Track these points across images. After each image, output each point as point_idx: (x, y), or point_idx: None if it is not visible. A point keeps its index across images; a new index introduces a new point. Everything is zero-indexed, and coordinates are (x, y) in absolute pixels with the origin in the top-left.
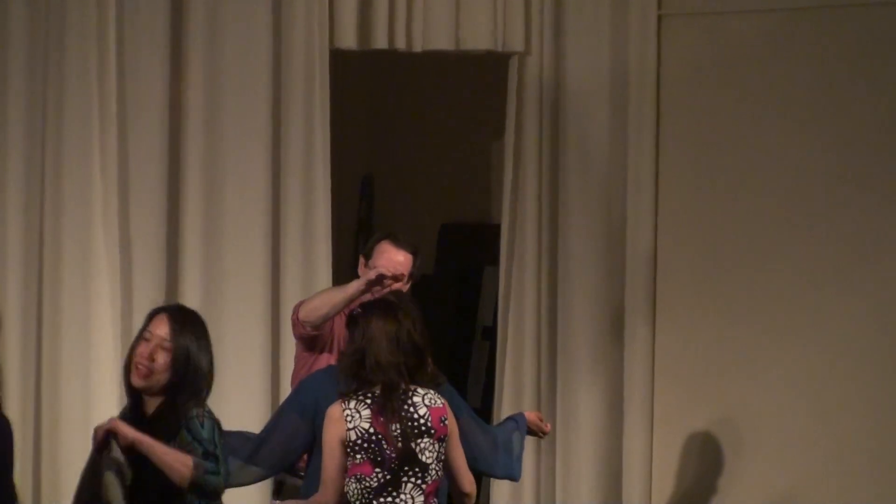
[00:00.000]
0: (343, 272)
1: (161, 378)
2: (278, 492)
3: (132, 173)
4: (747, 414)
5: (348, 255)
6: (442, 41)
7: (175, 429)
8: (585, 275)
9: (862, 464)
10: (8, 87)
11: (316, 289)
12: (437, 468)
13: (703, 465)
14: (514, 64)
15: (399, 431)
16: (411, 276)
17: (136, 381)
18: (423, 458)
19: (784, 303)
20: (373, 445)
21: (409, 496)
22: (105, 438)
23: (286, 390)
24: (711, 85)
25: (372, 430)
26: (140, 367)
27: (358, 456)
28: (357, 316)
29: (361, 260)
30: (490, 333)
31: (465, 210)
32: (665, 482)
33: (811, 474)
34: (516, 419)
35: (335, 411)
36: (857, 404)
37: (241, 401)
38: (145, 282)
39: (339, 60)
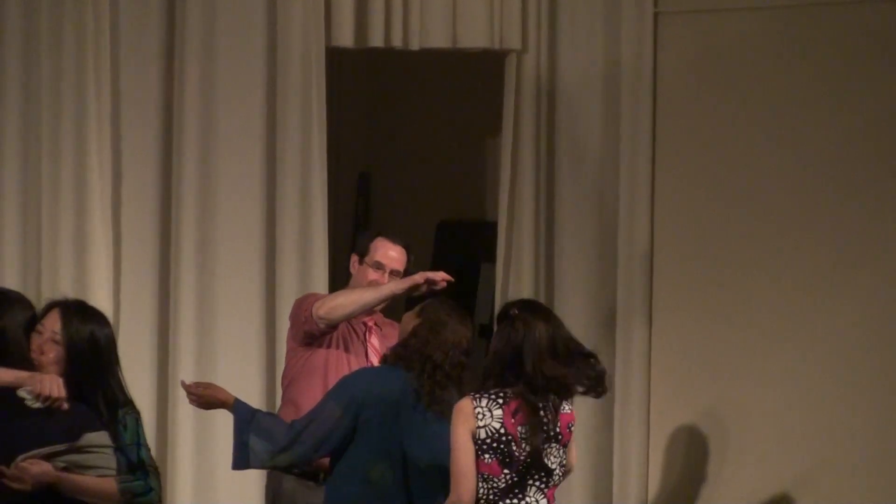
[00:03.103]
0: (340, 270)
1: (53, 370)
2: (275, 499)
3: (127, 172)
4: (742, 414)
5: (345, 253)
6: (438, 39)
7: (86, 422)
8: (581, 273)
9: (856, 463)
10: (3, 87)
11: (312, 286)
12: (559, 473)
13: (698, 464)
14: (510, 62)
15: (530, 434)
16: (406, 271)
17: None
18: (549, 463)
19: (780, 303)
20: (502, 446)
21: (532, 499)
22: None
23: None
24: (708, 83)
25: (503, 431)
26: (34, 360)
27: (486, 455)
28: (515, 316)
29: (354, 258)
30: (487, 331)
31: (462, 208)
32: (660, 482)
33: (805, 474)
34: None
35: (466, 406)
36: (851, 405)
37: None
38: (140, 280)
39: (336, 58)
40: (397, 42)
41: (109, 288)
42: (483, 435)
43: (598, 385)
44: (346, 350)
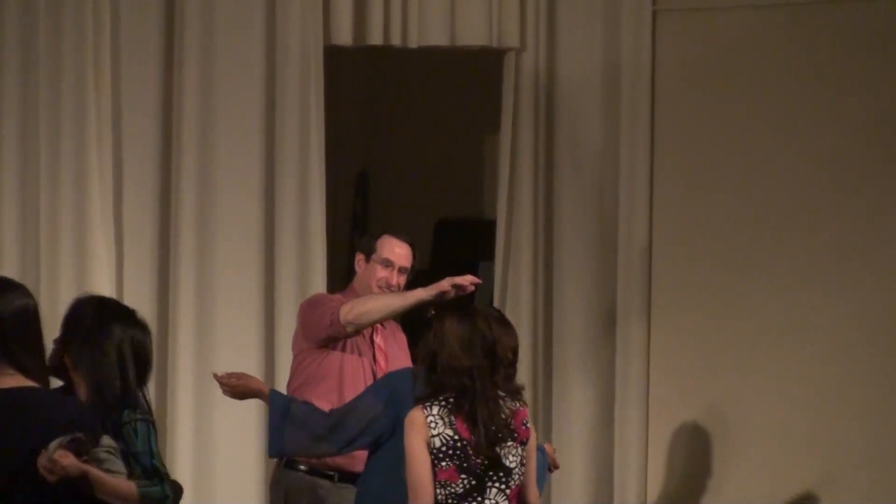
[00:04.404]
0: (338, 269)
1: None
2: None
3: (126, 170)
4: (742, 411)
5: (343, 252)
6: (437, 37)
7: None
8: (580, 271)
9: (855, 460)
10: (3, 87)
11: (311, 284)
12: (519, 472)
13: (698, 462)
14: (509, 60)
15: (483, 436)
16: (412, 268)
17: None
18: (507, 463)
19: (779, 300)
20: (458, 451)
21: (493, 501)
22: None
23: (281, 387)
24: (706, 80)
25: (457, 437)
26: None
27: (443, 462)
28: (431, 318)
29: (360, 257)
30: None
31: (461, 206)
32: (659, 480)
33: (805, 471)
34: (540, 448)
35: (417, 417)
36: (850, 401)
37: (234, 400)
38: (139, 280)
39: (334, 56)
40: (396, 40)
41: (110, 286)
42: (438, 443)
43: (515, 394)
44: (360, 353)
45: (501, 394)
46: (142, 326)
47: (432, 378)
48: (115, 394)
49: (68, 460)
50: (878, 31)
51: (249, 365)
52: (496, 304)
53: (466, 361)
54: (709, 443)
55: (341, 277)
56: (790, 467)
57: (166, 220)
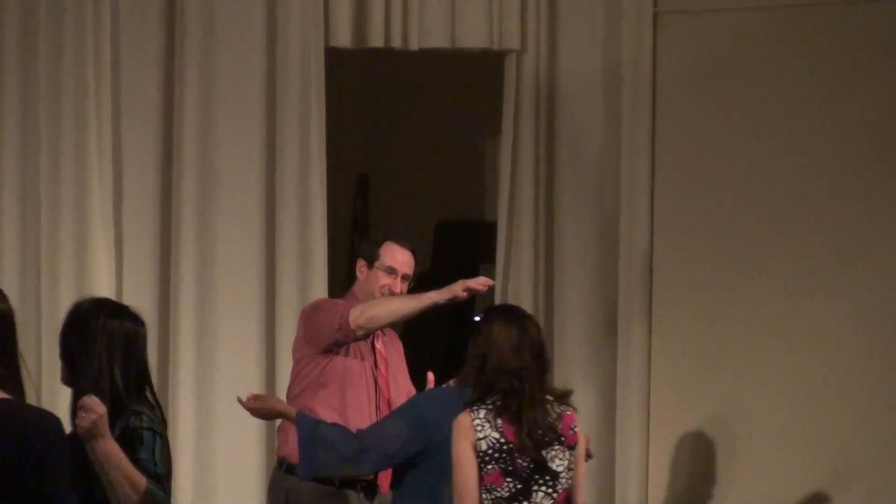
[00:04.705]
0: (338, 271)
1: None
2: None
3: (127, 172)
4: (743, 414)
5: (344, 254)
6: (437, 39)
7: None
8: (581, 273)
9: (856, 463)
10: (3, 88)
11: (311, 287)
12: (566, 476)
13: (700, 466)
14: (509, 62)
15: (529, 438)
16: (413, 275)
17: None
18: (554, 467)
19: (780, 303)
20: (504, 455)
21: None
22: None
23: (281, 390)
24: (707, 82)
25: (503, 440)
26: None
27: (489, 466)
28: (479, 322)
29: (361, 263)
30: None
31: (461, 208)
32: (661, 483)
33: (806, 474)
34: None
35: (465, 421)
36: (851, 404)
37: (234, 401)
38: (140, 281)
39: (335, 59)
40: (396, 42)
41: (110, 289)
42: (484, 447)
43: (564, 398)
44: (363, 358)
45: (549, 398)
46: (133, 318)
47: (481, 379)
48: (118, 395)
49: (101, 409)
50: (878, 33)
51: (250, 367)
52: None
53: (515, 363)
54: (710, 446)
55: (342, 279)
56: (792, 470)
57: (167, 221)
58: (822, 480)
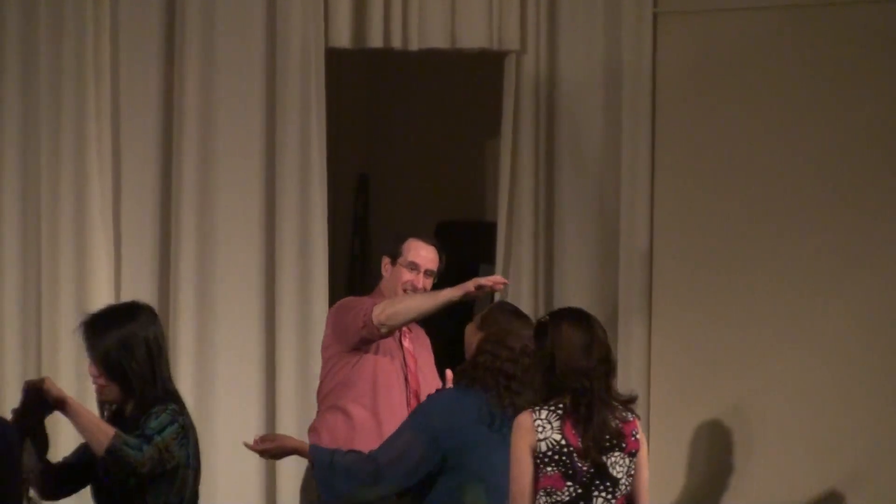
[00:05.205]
0: (339, 272)
1: (114, 390)
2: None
3: (127, 173)
4: (743, 413)
5: (344, 255)
6: (437, 40)
7: None
8: (581, 273)
9: (856, 461)
10: (3, 87)
11: (312, 288)
12: (626, 483)
13: (700, 465)
14: (509, 62)
15: (592, 440)
16: (438, 271)
17: (98, 398)
18: (614, 472)
19: (780, 301)
20: (564, 458)
21: None
22: (36, 394)
23: (281, 391)
24: (707, 83)
25: (564, 442)
26: (94, 385)
27: (549, 468)
28: (546, 323)
29: (386, 261)
30: None
31: (461, 208)
32: (661, 482)
33: (807, 472)
34: None
35: (525, 421)
36: (852, 403)
37: (234, 402)
38: (140, 281)
39: (335, 59)
40: (396, 43)
41: (109, 289)
42: (544, 448)
43: (629, 403)
44: (392, 356)
45: (615, 402)
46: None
47: (550, 380)
48: (170, 396)
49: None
50: (879, 33)
51: (250, 367)
52: None
53: (585, 363)
54: (709, 445)
55: (342, 280)
56: (792, 468)
57: (166, 221)
58: (823, 479)
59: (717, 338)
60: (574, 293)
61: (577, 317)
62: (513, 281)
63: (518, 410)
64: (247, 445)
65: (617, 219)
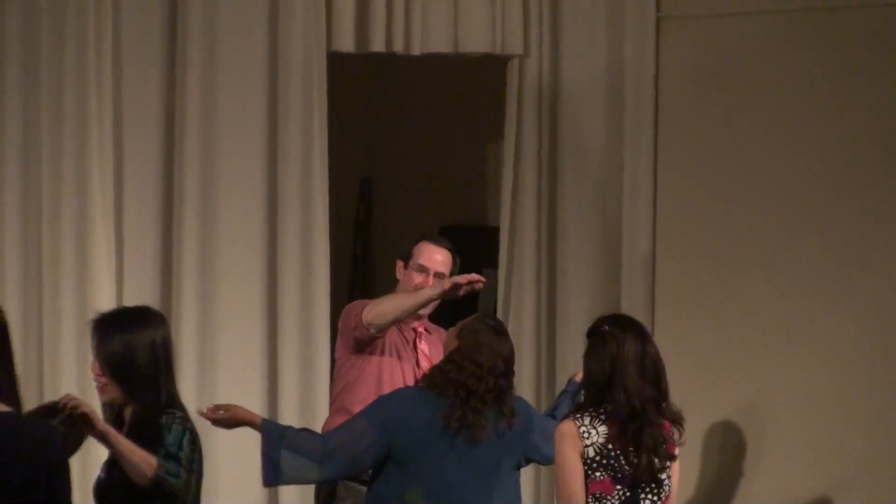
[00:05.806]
0: (341, 276)
1: (115, 390)
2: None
3: (128, 177)
4: (747, 416)
5: (346, 259)
6: (440, 44)
7: (152, 432)
8: (584, 277)
9: (858, 465)
10: (5, 92)
11: (313, 291)
12: (668, 484)
13: (701, 468)
14: (512, 66)
15: (646, 464)
16: (451, 273)
17: (100, 397)
18: (660, 476)
19: (783, 305)
20: (612, 461)
21: None
22: (78, 424)
23: (283, 392)
24: (710, 87)
25: (610, 446)
26: (95, 382)
27: (598, 473)
28: (605, 333)
29: (399, 263)
30: None
31: (464, 212)
32: None
33: (809, 476)
34: (567, 388)
35: (570, 428)
36: (854, 405)
37: (236, 403)
38: (142, 285)
39: (337, 63)
40: (399, 47)
41: (111, 292)
42: (592, 453)
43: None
44: (399, 357)
45: (662, 420)
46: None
47: (600, 392)
48: (146, 398)
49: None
50: (880, 36)
51: (252, 371)
52: (499, 310)
53: (640, 383)
54: (712, 448)
55: (344, 283)
56: (795, 471)
57: (168, 225)
58: (825, 482)
59: (720, 341)
60: (576, 296)
61: (636, 334)
62: (515, 285)
63: (469, 428)
64: (200, 413)
65: (619, 222)
